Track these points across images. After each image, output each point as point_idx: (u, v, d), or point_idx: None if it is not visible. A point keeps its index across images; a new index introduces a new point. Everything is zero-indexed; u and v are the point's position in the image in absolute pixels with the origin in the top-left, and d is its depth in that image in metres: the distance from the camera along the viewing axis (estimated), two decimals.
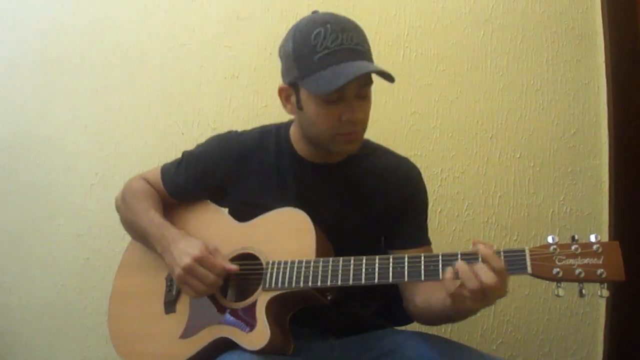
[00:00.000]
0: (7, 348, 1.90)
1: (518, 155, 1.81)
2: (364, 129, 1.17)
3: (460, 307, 0.95)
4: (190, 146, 1.39)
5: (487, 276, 0.91)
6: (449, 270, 0.95)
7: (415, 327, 1.29)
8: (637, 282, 1.65)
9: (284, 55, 1.16)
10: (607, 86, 1.80)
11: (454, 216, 1.79)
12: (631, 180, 1.76)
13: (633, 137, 1.77)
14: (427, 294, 1.12)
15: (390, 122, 1.82)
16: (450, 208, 1.79)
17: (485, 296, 0.92)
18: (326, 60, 1.06)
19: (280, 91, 1.20)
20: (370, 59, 1.13)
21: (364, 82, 1.11)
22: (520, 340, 1.77)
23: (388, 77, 1.09)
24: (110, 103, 1.91)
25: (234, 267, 1.13)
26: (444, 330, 1.74)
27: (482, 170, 1.81)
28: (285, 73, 1.17)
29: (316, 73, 1.07)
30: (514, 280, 1.75)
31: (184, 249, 1.13)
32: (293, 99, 1.17)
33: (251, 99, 1.85)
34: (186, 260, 1.10)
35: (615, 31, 1.79)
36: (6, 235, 1.93)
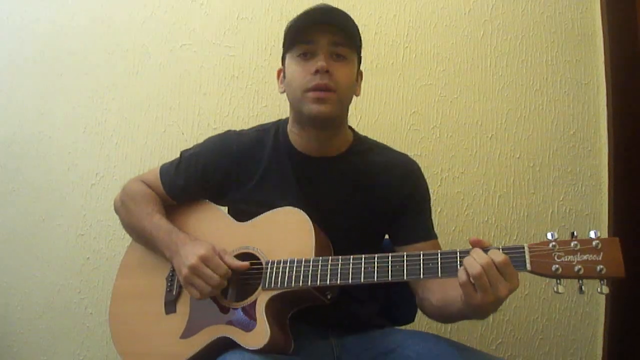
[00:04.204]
0: (7, 348, 1.90)
1: (518, 155, 1.81)
2: (338, 93, 1.17)
3: (471, 302, 0.94)
4: (190, 146, 1.39)
5: (480, 257, 0.92)
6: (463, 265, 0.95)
7: (415, 327, 1.29)
8: (637, 282, 1.65)
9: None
10: (607, 86, 1.80)
11: (454, 216, 1.79)
12: (631, 180, 1.76)
13: (633, 137, 1.77)
14: (443, 293, 1.11)
15: (390, 122, 1.82)
16: (450, 208, 1.79)
17: (489, 285, 0.91)
18: (298, 22, 1.18)
19: (278, 74, 1.29)
20: (347, 25, 1.18)
21: (336, 40, 1.17)
22: (520, 340, 1.77)
23: (348, 27, 1.17)
24: (110, 103, 1.91)
25: (242, 263, 1.13)
26: (444, 330, 1.74)
27: (482, 170, 1.81)
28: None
29: (290, 35, 1.18)
30: None
31: (191, 250, 1.13)
32: (282, 74, 1.25)
33: (251, 99, 1.85)
34: (192, 260, 1.11)
35: (615, 31, 1.78)
36: (6, 235, 1.93)
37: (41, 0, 1.97)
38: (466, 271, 0.93)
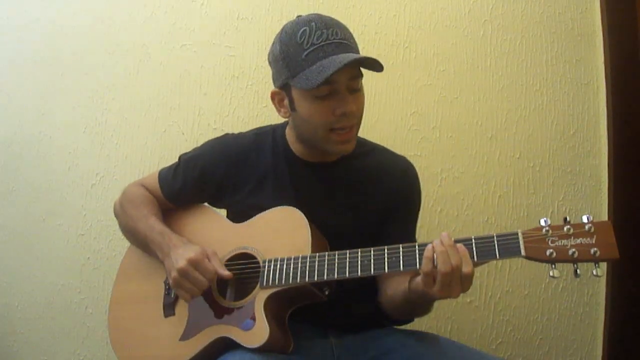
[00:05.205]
0: (7, 348, 1.90)
1: (517, 156, 1.80)
2: (358, 125, 1.18)
3: (428, 291, 0.97)
4: (190, 146, 1.40)
5: (455, 259, 0.94)
6: (429, 248, 0.97)
7: (415, 326, 1.29)
8: (637, 282, 1.65)
9: (273, 59, 1.17)
10: (607, 86, 1.79)
11: (454, 216, 1.79)
12: (631, 180, 1.76)
13: (633, 137, 1.76)
14: (395, 284, 1.13)
15: (390, 122, 1.82)
16: (450, 208, 1.79)
17: (452, 282, 0.94)
18: (313, 56, 1.09)
19: (273, 96, 1.21)
20: (356, 52, 1.13)
21: (354, 74, 1.12)
22: (520, 340, 1.77)
23: (376, 66, 1.11)
24: (110, 103, 1.91)
25: (226, 273, 1.13)
26: (444, 330, 1.74)
27: (482, 170, 1.81)
28: (275, 77, 1.19)
29: (305, 69, 1.09)
30: (513, 280, 1.77)
31: (181, 253, 1.14)
32: (286, 101, 1.19)
33: (251, 99, 1.86)
34: (181, 263, 1.11)
35: (615, 31, 1.78)
36: (6, 234, 1.93)
37: (41, 0, 1.97)
38: (434, 263, 0.96)
